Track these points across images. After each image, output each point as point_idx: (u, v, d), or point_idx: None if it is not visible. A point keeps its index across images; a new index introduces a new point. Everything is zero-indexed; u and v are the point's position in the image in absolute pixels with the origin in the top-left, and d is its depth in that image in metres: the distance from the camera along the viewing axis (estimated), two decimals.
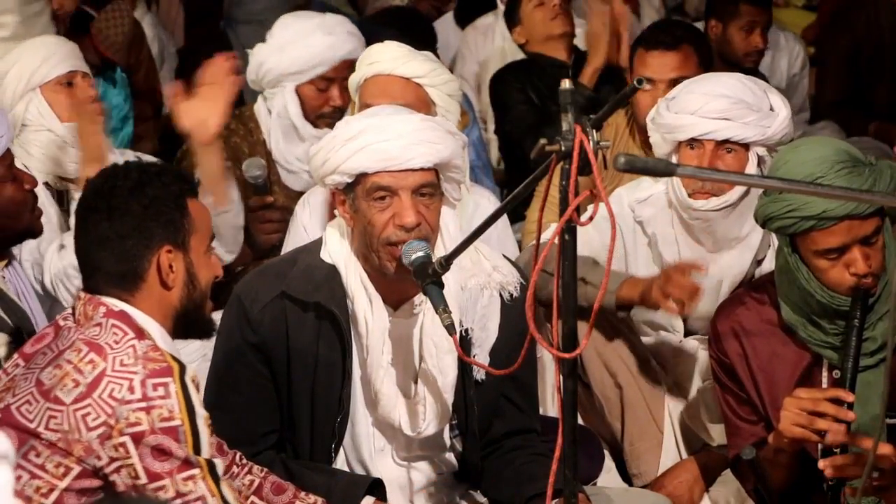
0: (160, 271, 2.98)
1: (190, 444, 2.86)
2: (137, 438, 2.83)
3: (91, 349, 2.88)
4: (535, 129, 5.48)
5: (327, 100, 4.61)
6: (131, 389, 2.83)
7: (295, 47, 4.61)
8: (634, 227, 4.08)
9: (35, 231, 3.78)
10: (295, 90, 4.63)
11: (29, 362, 2.97)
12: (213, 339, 3.41)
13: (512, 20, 6.02)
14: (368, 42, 4.53)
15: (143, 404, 2.83)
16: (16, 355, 3.03)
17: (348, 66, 4.54)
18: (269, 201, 4.37)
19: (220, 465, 2.94)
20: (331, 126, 4.53)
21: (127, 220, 2.96)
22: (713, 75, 4.08)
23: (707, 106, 3.86)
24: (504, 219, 4.31)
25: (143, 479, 2.84)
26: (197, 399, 2.89)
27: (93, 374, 2.85)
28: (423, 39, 5.32)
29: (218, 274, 3.13)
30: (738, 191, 3.84)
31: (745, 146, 3.86)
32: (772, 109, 3.90)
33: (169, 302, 3.00)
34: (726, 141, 3.85)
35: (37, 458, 2.85)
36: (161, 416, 2.83)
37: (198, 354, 3.96)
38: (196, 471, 2.87)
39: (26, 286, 3.77)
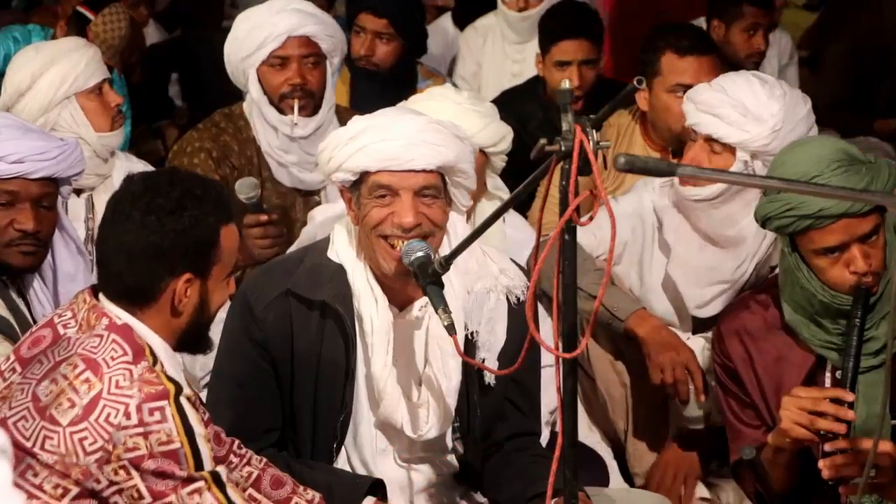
0: (174, 296, 2.95)
1: (191, 464, 2.85)
2: (136, 463, 2.82)
3: (87, 366, 2.85)
4: None
5: (286, 79, 4.55)
6: (127, 415, 2.81)
7: (243, 30, 4.58)
8: (654, 225, 4.05)
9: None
10: (256, 75, 4.58)
11: (25, 369, 2.94)
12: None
13: None
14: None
15: (140, 430, 2.81)
16: (12, 356, 3.00)
17: (303, 43, 4.54)
18: (263, 220, 4.33)
19: (223, 472, 2.92)
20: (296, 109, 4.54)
21: (156, 239, 2.91)
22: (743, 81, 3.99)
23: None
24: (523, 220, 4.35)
25: (148, 499, 2.84)
26: (195, 418, 2.87)
27: (88, 396, 2.82)
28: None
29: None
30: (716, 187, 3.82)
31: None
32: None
33: (176, 323, 2.99)
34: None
35: (34, 477, 2.83)
36: (160, 440, 2.82)
37: None
38: (200, 483, 2.86)
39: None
